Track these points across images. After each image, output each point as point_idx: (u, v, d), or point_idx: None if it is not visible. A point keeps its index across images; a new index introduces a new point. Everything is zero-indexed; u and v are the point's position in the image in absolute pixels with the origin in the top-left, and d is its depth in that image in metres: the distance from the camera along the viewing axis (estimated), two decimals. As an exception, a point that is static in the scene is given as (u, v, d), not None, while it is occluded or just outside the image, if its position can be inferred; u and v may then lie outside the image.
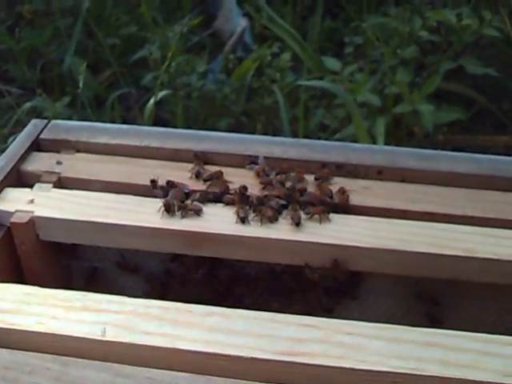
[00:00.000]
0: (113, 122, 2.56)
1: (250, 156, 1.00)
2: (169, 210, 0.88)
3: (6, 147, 2.31)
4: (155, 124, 2.38)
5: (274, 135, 2.45)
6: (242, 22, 2.79)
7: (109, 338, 0.71)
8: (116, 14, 2.91)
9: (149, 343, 0.71)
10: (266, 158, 1.00)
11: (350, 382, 0.69)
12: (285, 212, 0.91)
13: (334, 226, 0.88)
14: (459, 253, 0.84)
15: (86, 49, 2.86)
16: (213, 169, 0.99)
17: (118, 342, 0.71)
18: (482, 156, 1.03)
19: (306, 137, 2.27)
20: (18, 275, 0.95)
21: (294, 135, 2.31)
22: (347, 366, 0.68)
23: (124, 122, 2.65)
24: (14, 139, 2.32)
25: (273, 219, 0.88)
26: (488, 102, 2.18)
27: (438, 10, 2.02)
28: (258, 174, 0.97)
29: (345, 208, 0.92)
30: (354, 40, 2.42)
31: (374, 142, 1.91)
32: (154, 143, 1.03)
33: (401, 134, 2.15)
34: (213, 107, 2.33)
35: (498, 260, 0.84)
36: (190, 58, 2.46)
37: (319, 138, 2.29)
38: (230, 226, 0.88)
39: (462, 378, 0.68)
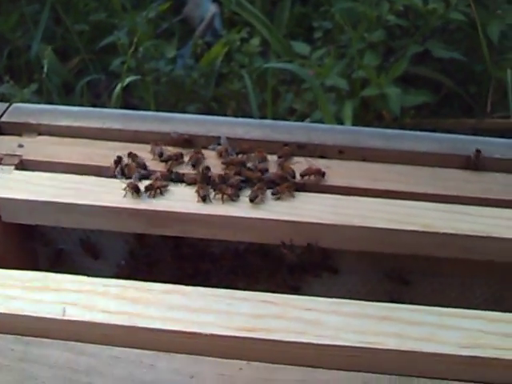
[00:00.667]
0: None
1: (213, 137, 1.00)
2: (137, 191, 0.88)
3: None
4: (124, 109, 2.37)
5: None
6: (212, 8, 2.78)
7: (69, 317, 0.71)
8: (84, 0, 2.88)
9: (109, 322, 0.71)
10: (229, 138, 1.00)
11: (309, 357, 0.69)
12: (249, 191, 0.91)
13: (296, 203, 0.89)
14: (418, 228, 0.85)
15: (53, 35, 2.83)
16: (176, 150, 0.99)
17: (79, 321, 0.71)
18: (443, 135, 1.04)
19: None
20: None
21: (264, 119, 2.31)
22: (305, 340, 0.69)
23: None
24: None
25: (233, 197, 0.88)
26: (455, 86, 2.20)
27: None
28: (220, 155, 0.97)
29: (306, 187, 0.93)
30: (323, 25, 2.42)
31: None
32: (116, 125, 1.03)
33: (369, 117, 2.16)
34: (182, 92, 2.33)
35: (456, 235, 0.85)
36: (159, 44, 2.45)
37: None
38: (191, 205, 0.88)
39: (419, 350, 0.69)
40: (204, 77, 2.29)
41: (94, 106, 2.66)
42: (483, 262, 0.88)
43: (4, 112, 1.06)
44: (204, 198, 0.88)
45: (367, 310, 0.72)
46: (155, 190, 0.89)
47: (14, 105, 1.08)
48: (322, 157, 0.99)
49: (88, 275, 0.86)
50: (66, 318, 0.71)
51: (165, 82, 2.23)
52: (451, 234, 0.84)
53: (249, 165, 0.94)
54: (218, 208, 0.87)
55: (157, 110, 2.31)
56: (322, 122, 1.96)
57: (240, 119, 1.07)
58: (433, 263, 0.94)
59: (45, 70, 1.94)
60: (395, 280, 0.97)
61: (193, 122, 1.04)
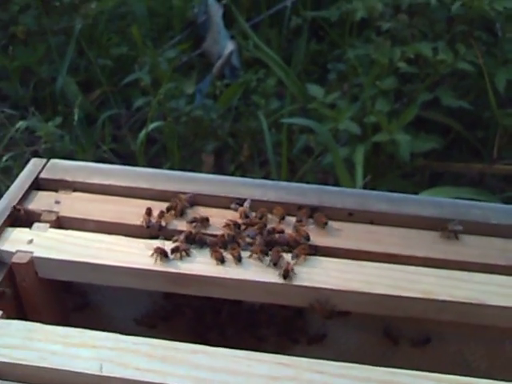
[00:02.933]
0: (103, 140, 2.65)
1: (235, 198, 1.10)
2: (166, 255, 0.97)
3: (2, 166, 2.39)
4: (146, 143, 2.47)
5: (259, 156, 2.56)
6: (230, 45, 2.88)
7: (106, 373, 0.80)
8: (107, 34, 2.99)
9: (141, 379, 0.80)
10: (246, 199, 1.09)
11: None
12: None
13: (306, 268, 0.97)
14: (417, 294, 0.93)
15: (77, 68, 2.94)
16: (198, 208, 1.08)
17: (115, 378, 0.80)
18: (444, 200, 1.13)
19: (289, 160, 2.37)
20: (20, 307, 1.04)
21: (279, 157, 2.41)
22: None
23: (114, 140, 2.74)
24: (8, 158, 2.40)
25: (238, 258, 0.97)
26: (463, 130, 2.28)
27: (415, 44, 2.12)
28: (240, 215, 1.06)
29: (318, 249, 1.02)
30: (337, 67, 2.52)
31: (354, 170, 2.02)
32: (145, 184, 1.12)
33: (380, 159, 2.25)
34: (200, 130, 2.43)
35: (453, 302, 0.93)
36: (179, 81, 2.55)
37: (303, 162, 2.39)
38: (210, 268, 0.97)
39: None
40: (221, 117, 2.39)
41: (115, 137, 2.77)
42: (479, 325, 0.96)
43: (43, 168, 1.16)
44: (222, 261, 0.97)
45: (372, 374, 0.80)
46: (180, 253, 0.98)
47: (52, 161, 1.18)
48: (333, 219, 1.08)
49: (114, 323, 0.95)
50: (103, 374, 0.80)
51: (184, 122, 2.34)
52: (448, 301, 0.93)
53: (267, 228, 1.03)
54: (233, 271, 0.96)
55: (176, 146, 2.42)
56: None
57: (257, 181, 1.16)
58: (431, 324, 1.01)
59: (75, 116, 2.02)
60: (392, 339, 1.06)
61: (215, 182, 1.13)
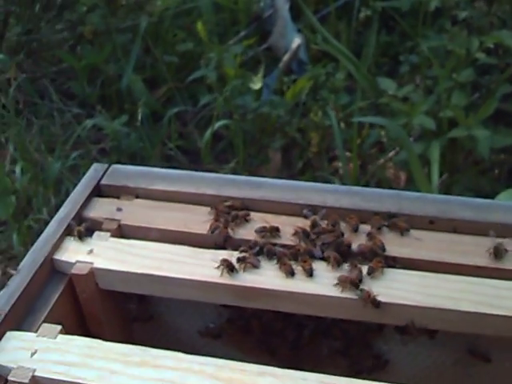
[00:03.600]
0: (169, 137, 2.63)
1: (306, 205, 1.02)
2: (232, 269, 0.91)
3: (70, 164, 2.40)
4: (212, 139, 2.43)
5: (328, 152, 2.48)
6: (297, 39, 2.81)
7: (166, 395, 0.75)
8: (172, 31, 2.97)
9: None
10: (319, 206, 1.02)
11: None
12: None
13: (384, 281, 0.90)
14: (507, 313, 0.84)
15: (143, 65, 2.93)
16: (266, 216, 1.02)
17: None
18: (537, 206, 1.02)
19: (359, 156, 2.28)
20: (81, 319, 1.00)
21: (349, 153, 2.33)
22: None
23: (180, 137, 2.72)
24: (76, 156, 2.40)
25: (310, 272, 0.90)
26: (546, 123, 2.15)
27: (495, 33, 1.99)
28: (312, 224, 0.99)
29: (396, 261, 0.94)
30: (409, 59, 2.41)
31: (429, 168, 1.91)
32: (210, 191, 1.07)
33: (457, 156, 2.14)
34: (267, 126, 2.37)
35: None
36: (245, 77, 2.50)
37: (374, 158, 2.30)
38: (278, 281, 0.90)
39: None
40: (289, 113, 2.32)
41: (181, 134, 2.74)
42: None
43: (104, 174, 1.12)
44: (292, 274, 0.90)
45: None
46: (246, 264, 0.92)
47: (113, 166, 1.14)
48: (412, 227, 0.99)
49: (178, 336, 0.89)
50: (164, 397, 0.75)
51: (251, 119, 2.28)
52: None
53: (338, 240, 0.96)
54: (303, 284, 0.89)
55: (243, 144, 2.37)
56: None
57: (330, 186, 1.09)
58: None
59: (139, 115, 2.00)
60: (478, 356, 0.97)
61: (284, 188, 1.06)
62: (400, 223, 0.98)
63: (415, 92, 2.18)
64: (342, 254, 0.94)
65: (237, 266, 0.92)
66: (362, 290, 0.88)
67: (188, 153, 2.67)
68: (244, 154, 2.40)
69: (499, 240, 0.94)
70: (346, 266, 0.92)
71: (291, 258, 0.93)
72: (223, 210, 1.01)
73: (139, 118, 2.17)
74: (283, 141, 2.35)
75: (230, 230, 0.98)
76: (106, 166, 1.13)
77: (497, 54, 2.11)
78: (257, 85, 2.53)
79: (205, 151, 2.34)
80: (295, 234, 0.97)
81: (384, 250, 0.94)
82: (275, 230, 0.98)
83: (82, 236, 0.99)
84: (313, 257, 0.93)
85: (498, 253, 0.93)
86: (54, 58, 3.02)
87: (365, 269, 0.91)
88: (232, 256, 0.93)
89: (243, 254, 0.94)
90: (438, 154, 1.90)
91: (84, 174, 1.13)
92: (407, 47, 2.49)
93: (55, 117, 2.76)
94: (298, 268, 0.92)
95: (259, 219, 1.01)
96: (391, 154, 2.27)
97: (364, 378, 0.77)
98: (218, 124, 2.17)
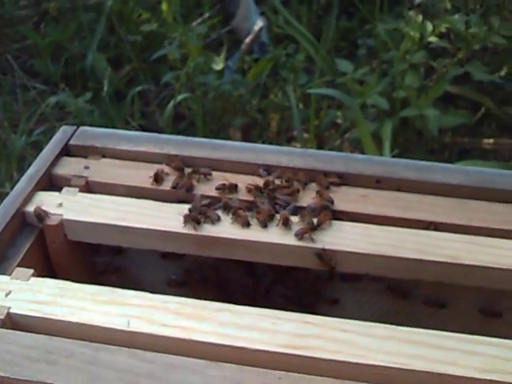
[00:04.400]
0: (132, 116, 2.67)
1: (263, 164, 1.10)
2: (195, 220, 0.98)
3: (32, 141, 2.43)
4: (174, 119, 2.49)
5: (286, 132, 2.56)
6: (259, 22, 2.88)
7: (133, 328, 0.82)
8: (137, 10, 3.01)
9: (167, 334, 0.81)
10: (274, 166, 1.10)
11: (343, 373, 0.79)
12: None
13: (331, 231, 0.98)
14: (444, 259, 0.94)
15: (107, 44, 2.96)
16: (226, 175, 1.09)
17: (142, 333, 0.82)
18: (472, 168, 1.12)
19: (317, 135, 2.37)
20: (49, 269, 1.06)
21: (307, 132, 2.41)
22: (340, 359, 0.79)
23: (143, 116, 2.77)
24: (39, 133, 2.43)
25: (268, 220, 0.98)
26: (494, 106, 2.26)
27: (447, 18, 2.09)
28: (265, 183, 1.07)
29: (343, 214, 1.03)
30: (366, 42, 2.50)
31: (382, 145, 2.01)
32: (173, 151, 1.14)
33: (409, 135, 2.24)
34: (228, 105, 2.43)
35: (479, 266, 0.93)
36: (208, 57, 2.56)
37: (331, 138, 2.39)
38: (235, 231, 0.98)
39: (444, 373, 0.77)
40: (250, 92, 2.39)
41: (143, 113, 2.79)
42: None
43: (72, 135, 1.18)
44: (248, 224, 0.98)
45: (397, 334, 0.81)
46: (206, 218, 0.99)
47: (81, 128, 1.20)
48: (359, 186, 1.08)
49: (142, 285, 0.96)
50: (130, 329, 0.82)
51: (212, 97, 2.34)
52: (474, 266, 0.93)
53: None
54: (256, 234, 0.97)
55: (204, 122, 2.44)
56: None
57: (285, 148, 1.16)
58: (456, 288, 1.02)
59: (105, 88, 2.04)
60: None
61: (242, 149, 1.14)
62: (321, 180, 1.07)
63: (371, 74, 2.27)
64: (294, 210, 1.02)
65: (199, 217, 1.00)
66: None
67: (150, 131, 2.71)
68: (205, 132, 2.46)
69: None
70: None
71: (246, 211, 1.01)
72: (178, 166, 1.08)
73: (104, 92, 2.21)
74: (244, 120, 2.42)
75: (193, 182, 1.06)
76: (75, 127, 1.20)
77: (449, 38, 2.21)
78: (219, 65, 2.60)
79: (166, 127, 2.40)
80: (249, 190, 1.05)
81: (332, 203, 1.03)
82: (234, 187, 1.06)
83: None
84: (268, 211, 1.01)
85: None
86: (17, 35, 3.03)
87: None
88: (194, 209, 1.00)
89: (204, 208, 1.01)
90: (389, 132, 2.00)
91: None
92: (365, 31, 2.58)
93: (18, 93, 2.78)
94: (253, 220, 1.00)
95: (220, 177, 1.09)
96: (347, 135, 2.36)
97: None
98: (180, 97, 2.22)
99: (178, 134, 2.58)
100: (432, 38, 2.14)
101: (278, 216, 1.00)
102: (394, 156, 2.03)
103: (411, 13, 2.29)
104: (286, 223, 0.98)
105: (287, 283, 1.09)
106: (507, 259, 0.93)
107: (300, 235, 0.96)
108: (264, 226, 0.98)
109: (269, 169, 1.10)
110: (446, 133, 2.20)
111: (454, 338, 0.81)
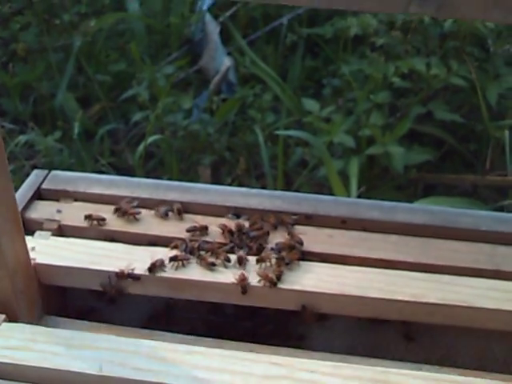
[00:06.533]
0: (101, 154, 2.69)
1: (232, 207, 1.13)
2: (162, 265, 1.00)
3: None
4: (143, 158, 2.51)
5: (256, 169, 2.60)
6: (226, 62, 2.93)
7: (105, 373, 0.83)
8: (106, 51, 3.04)
9: (140, 378, 0.82)
10: (243, 208, 1.12)
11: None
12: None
13: (299, 272, 1.01)
14: (409, 298, 0.96)
15: (76, 84, 2.98)
16: (196, 217, 1.12)
17: (113, 377, 0.83)
18: (435, 207, 1.16)
19: (285, 173, 2.41)
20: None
21: (275, 170, 2.44)
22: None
23: (112, 155, 2.78)
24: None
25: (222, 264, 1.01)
26: (456, 143, 2.32)
27: (409, 60, 2.16)
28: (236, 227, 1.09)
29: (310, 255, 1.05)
30: (331, 82, 2.56)
31: (349, 182, 2.05)
32: (144, 194, 1.16)
33: (375, 172, 2.29)
34: (197, 144, 2.46)
35: (443, 305, 0.96)
36: (177, 96, 2.59)
37: (299, 175, 2.43)
38: (205, 273, 1.00)
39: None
40: (218, 131, 2.43)
41: (113, 152, 2.80)
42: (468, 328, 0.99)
43: (44, 179, 1.19)
44: (213, 265, 1.00)
45: (361, 373, 0.83)
46: (178, 262, 1.01)
47: (53, 172, 1.21)
48: (326, 226, 1.11)
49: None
50: (103, 373, 0.83)
51: (181, 136, 2.37)
52: (438, 304, 0.96)
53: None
54: (226, 276, 0.99)
55: (174, 160, 2.46)
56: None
57: (253, 190, 1.19)
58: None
59: (75, 130, 2.06)
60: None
61: (211, 191, 1.17)
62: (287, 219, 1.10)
63: (336, 113, 2.33)
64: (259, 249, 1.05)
65: (169, 265, 1.02)
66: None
67: (120, 170, 2.73)
68: (175, 170, 2.48)
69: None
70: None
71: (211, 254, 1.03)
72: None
73: (75, 132, 2.22)
74: (212, 157, 2.45)
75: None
76: (47, 171, 1.21)
77: (411, 78, 2.28)
78: (187, 104, 2.63)
79: (137, 167, 2.42)
80: (223, 232, 1.08)
81: (302, 244, 1.06)
82: (204, 229, 1.08)
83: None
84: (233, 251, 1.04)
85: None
86: (-16, 75, 3.04)
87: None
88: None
89: (175, 253, 1.03)
90: (356, 169, 2.04)
91: (18, 188, 1.19)
92: (330, 71, 2.64)
93: (-13, 133, 2.78)
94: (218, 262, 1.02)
95: (190, 220, 1.11)
96: (315, 171, 2.40)
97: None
98: (150, 139, 2.25)
99: (148, 172, 2.61)
100: (395, 79, 2.20)
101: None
102: (361, 193, 2.07)
103: (374, 54, 2.36)
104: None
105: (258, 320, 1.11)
106: (473, 297, 0.97)
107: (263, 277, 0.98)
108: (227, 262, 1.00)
109: (238, 211, 1.12)
110: (412, 169, 2.25)
111: (416, 377, 0.83)
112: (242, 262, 1.01)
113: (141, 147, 2.20)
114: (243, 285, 0.97)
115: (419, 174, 2.34)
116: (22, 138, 2.61)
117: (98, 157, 2.66)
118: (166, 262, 1.01)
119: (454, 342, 1.07)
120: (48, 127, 2.84)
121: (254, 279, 0.99)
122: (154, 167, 2.65)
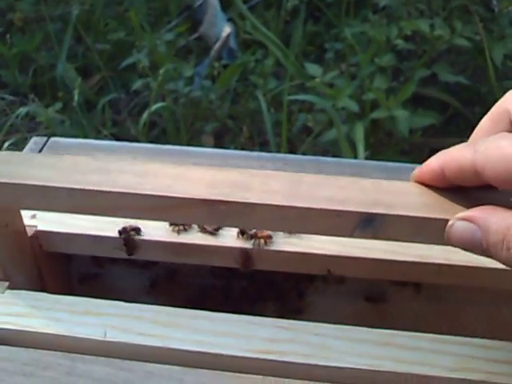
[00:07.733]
0: (103, 125, 2.67)
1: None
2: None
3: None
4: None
5: (259, 137, 2.58)
6: (227, 28, 2.89)
7: (109, 338, 0.82)
8: (104, 19, 3.00)
9: (143, 343, 0.81)
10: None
11: (316, 376, 0.80)
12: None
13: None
14: (414, 259, 0.95)
15: (75, 54, 2.96)
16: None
17: (118, 342, 0.82)
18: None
19: (289, 140, 2.39)
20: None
21: (279, 137, 2.43)
22: (313, 362, 0.79)
23: (114, 125, 2.76)
24: (10, 144, 2.42)
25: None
26: (461, 106, 2.30)
27: (412, 21, 2.13)
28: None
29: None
30: (334, 46, 2.53)
31: (355, 146, 2.03)
32: (144, 158, 1.14)
33: (379, 136, 2.27)
34: (199, 112, 2.44)
35: (449, 265, 0.95)
36: (177, 64, 2.57)
37: (303, 141, 2.41)
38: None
39: (413, 373, 0.78)
40: (220, 97, 2.40)
41: (115, 122, 2.79)
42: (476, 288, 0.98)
43: (43, 146, 1.18)
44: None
45: (368, 336, 0.82)
46: (179, 227, 0.99)
47: (52, 139, 1.20)
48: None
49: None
50: (107, 339, 0.82)
51: (183, 103, 2.35)
52: (444, 264, 0.94)
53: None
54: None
55: (175, 129, 2.44)
56: (336, 143, 2.08)
57: (255, 153, 1.17)
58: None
59: (75, 98, 2.04)
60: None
61: (212, 155, 1.15)
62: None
63: (340, 77, 2.30)
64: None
65: (170, 228, 1.00)
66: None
67: (122, 140, 2.71)
68: (177, 139, 2.46)
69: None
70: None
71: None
72: None
73: (75, 100, 2.20)
74: (215, 125, 2.43)
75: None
76: (46, 138, 1.19)
77: (414, 40, 2.25)
78: (188, 72, 2.60)
79: (140, 136, 2.40)
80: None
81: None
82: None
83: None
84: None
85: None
86: (-18, 46, 3.01)
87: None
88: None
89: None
90: (362, 133, 2.02)
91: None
92: (332, 35, 2.60)
93: (-14, 105, 2.77)
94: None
95: (192, 185, 1.10)
96: (319, 137, 2.38)
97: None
98: (154, 107, 2.23)
99: (151, 142, 2.59)
100: (398, 41, 2.17)
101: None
102: (366, 157, 2.05)
103: (376, 17, 2.32)
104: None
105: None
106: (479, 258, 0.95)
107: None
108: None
109: (240, 175, 1.11)
110: (416, 133, 2.23)
111: (423, 338, 0.82)
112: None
113: (145, 115, 2.18)
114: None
115: (424, 139, 2.32)
116: (22, 110, 2.59)
117: (99, 127, 2.65)
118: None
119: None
120: (49, 98, 2.83)
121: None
122: (156, 137, 2.64)
